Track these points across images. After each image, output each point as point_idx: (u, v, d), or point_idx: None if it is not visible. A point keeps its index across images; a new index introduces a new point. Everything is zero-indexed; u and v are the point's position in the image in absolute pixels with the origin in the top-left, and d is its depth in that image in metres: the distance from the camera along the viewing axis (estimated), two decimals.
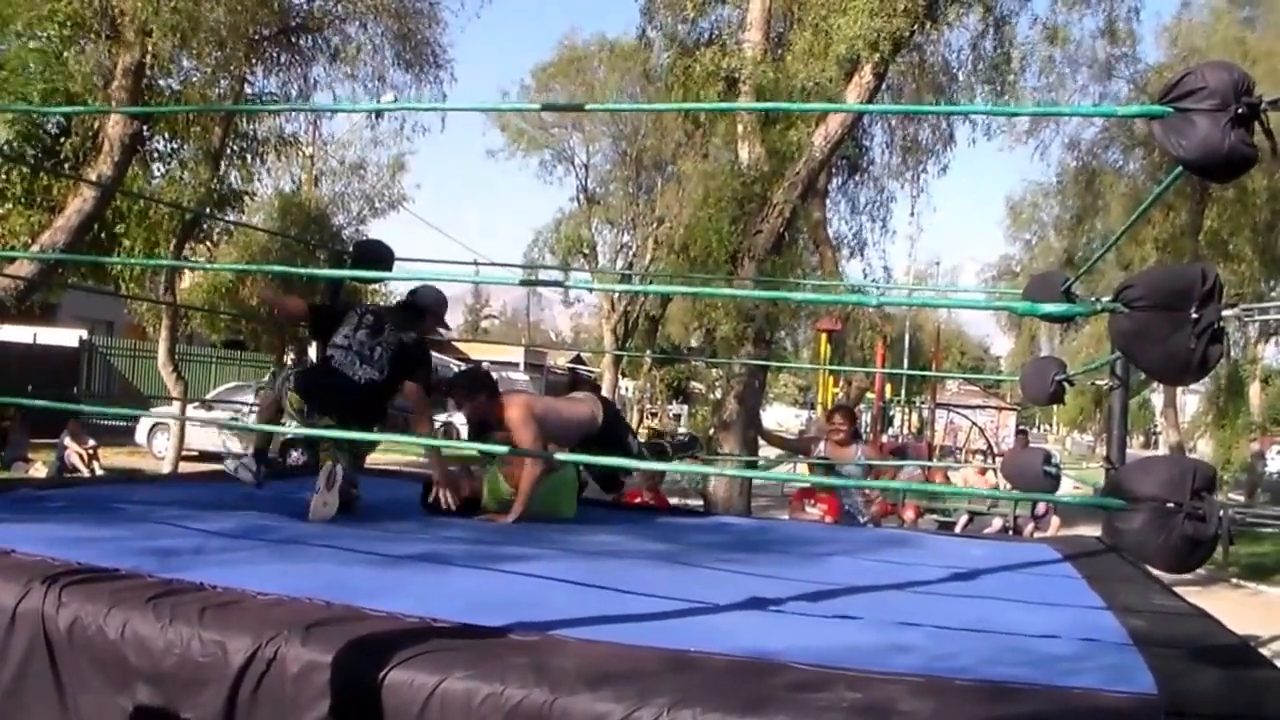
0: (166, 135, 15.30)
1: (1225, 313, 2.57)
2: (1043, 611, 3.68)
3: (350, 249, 8.76)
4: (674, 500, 12.58)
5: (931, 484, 13.57)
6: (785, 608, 3.39)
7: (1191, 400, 31.20)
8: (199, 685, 2.52)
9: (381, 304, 5.73)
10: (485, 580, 3.57)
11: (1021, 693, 2.40)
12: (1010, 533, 12.99)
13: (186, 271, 22.25)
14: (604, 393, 5.80)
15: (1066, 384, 5.85)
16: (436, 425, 14.41)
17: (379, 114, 17.25)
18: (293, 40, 15.06)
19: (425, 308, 5.76)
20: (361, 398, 5.26)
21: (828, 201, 18.18)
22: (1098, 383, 6.89)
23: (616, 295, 29.84)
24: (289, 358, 27.58)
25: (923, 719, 2.18)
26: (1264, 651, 3.71)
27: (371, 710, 2.39)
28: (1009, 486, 6.97)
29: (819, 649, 2.67)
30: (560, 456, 5.29)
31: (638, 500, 7.79)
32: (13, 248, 13.23)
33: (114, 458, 17.82)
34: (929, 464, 16.01)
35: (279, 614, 2.69)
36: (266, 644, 2.51)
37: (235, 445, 20.61)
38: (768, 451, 18.36)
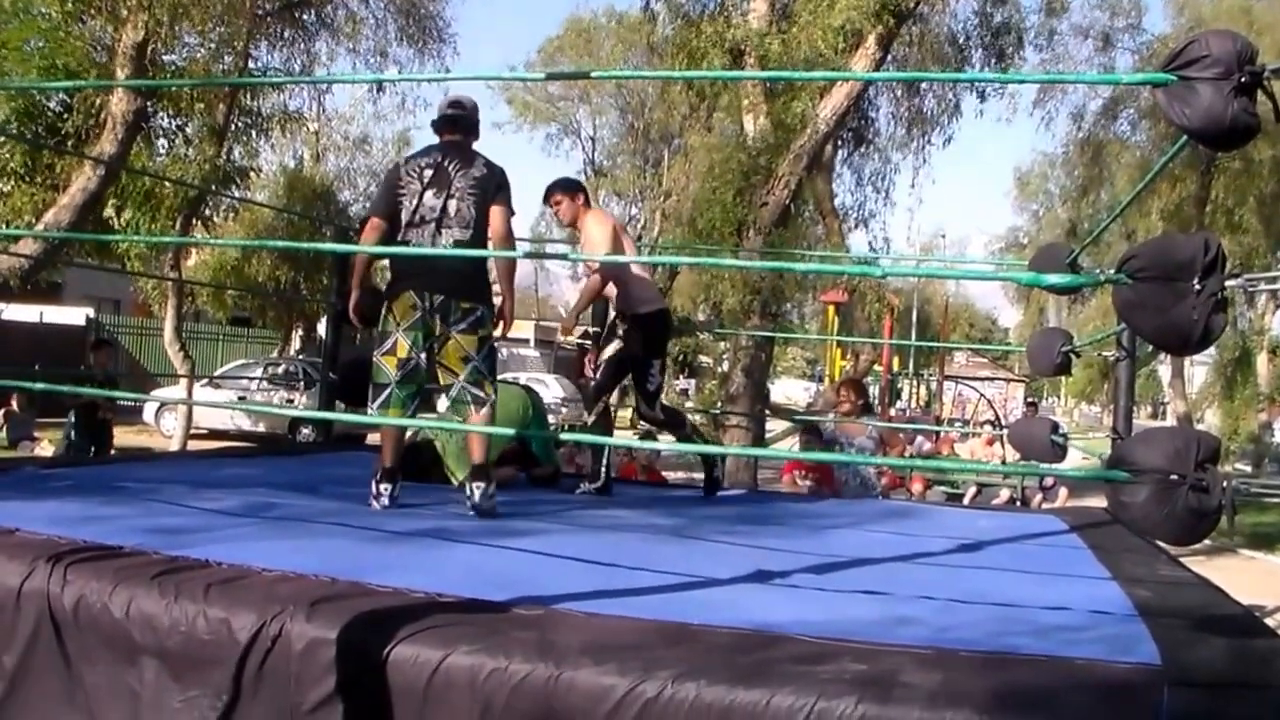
0: (170, 112, 15.27)
1: (1229, 283, 2.56)
2: (1048, 582, 3.68)
3: (356, 225, 8.74)
4: (680, 474, 12.61)
5: (938, 457, 13.57)
6: (790, 580, 3.39)
7: (1199, 371, 31.22)
8: (205, 662, 2.53)
9: (426, 154, 4.84)
10: (489, 556, 3.58)
11: (1025, 663, 2.40)
12: (1018, 504, 13.01)
13: (193, 249, 22.30)
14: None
15: (1073, 355, 5.85)
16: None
17: (380, 88, 17.23)
18: (296, 15, 15.03)
19: (476, 120, 4.96)
20: (459, 268, 4.61)
21: (833, 173, 18.14)
22: (1105, 354, 6.89)
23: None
24: (297, 335, 27.74)
25: (927, 690, 2.18)
26: (1269, 621, 3.72)
27: (377, 686, 2.40)
28: (1017, 456, 6.98)
29: (824, 621, 2.67)
30: (565, 435, 5.27)
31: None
32: (17, 226, 13.23)
33: (122, 436, 17.86)
34: (938, 429, 16.02)
35: (284, 590, 2.69)
36: (272, 620, 2.51)
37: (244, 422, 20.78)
38: (774, 424, 18.38)
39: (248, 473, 5.45)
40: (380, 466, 4.66)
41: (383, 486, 4.61)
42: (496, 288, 4.94)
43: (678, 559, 3.62)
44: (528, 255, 4.97)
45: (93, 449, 10.98)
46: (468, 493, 4.55)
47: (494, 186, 4.71)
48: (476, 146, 4.93)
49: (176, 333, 16.04)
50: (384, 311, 4.73)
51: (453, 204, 4.65)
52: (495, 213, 4.70)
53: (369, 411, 4.80)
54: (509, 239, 4.75)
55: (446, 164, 4.72)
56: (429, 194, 4.66)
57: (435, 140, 4.88)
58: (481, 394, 4.70)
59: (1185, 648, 2.59)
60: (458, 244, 4.61)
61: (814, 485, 7.88)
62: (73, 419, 11.44)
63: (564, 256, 5.02)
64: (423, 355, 4.69)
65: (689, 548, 4.16)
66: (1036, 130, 42.41)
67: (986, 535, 4.86)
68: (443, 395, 5.33)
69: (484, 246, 4.70)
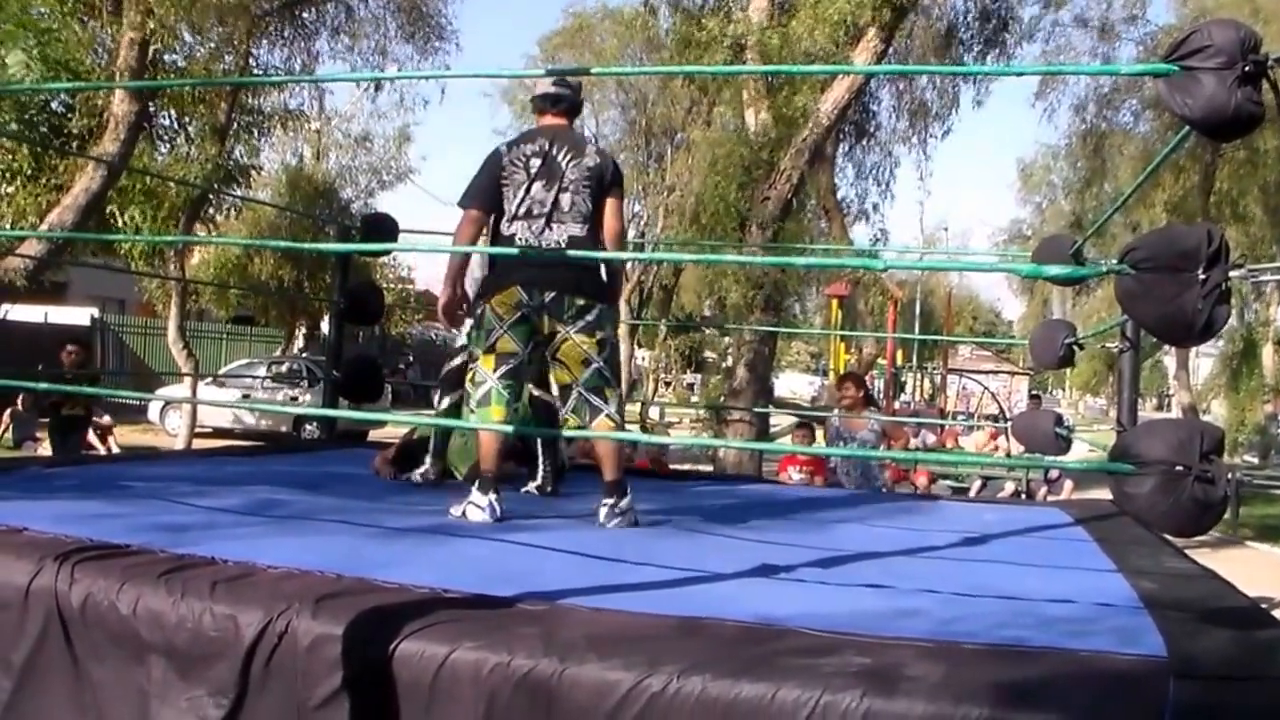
0: (173, 112, 15.30)
1: (1232, 274, 2.56)
2: (1053, 575, 3.68)
3: (358, 223, 8.76)
4: (685, 466, 12.62)
5: (942, 450, 13.58)
6: (795, 574, 3.39)
7: (1205, 363, 31.17)
8: (212, 659, 2.54)
9: (529, 139, 4.47)
10: (495, 551, 3.58)
11: (1030, 655, 2.40)
12: (1023, 496, 13.01)
13: (196, 249, 22.33)
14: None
15: (1076, 347, 5.85)
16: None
17: (378, 86, 17.25)
18: (296, 14, 15.05)
19: (580, 101, 4.67)
20: (576, 267, 4.31)
21: (834, 167, 18.13)
22: (1109, 346, 6.88)
23: (629, 265, 29.65)
24: (300, 333, 27.78)
25: (931, 683, 2.18)
26: (1276, 613, 3.70)
27: (383, 681, 2.41)
28: (1021, 449, 6.98)
29: (828, 614, 2.67)
30: (568, 433, 5.11)
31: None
32: (21, 226, 13.25)
33: (127, 435, 17.89)
34: (942, 422, 16.04)
35: (290, 587, 2.70)
36: (278, 617, 2.52)
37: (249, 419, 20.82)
38: (779, 419, 18.40)
39: (252, 470, 5.46)
40: (480, 474, 4.31)
41: (490, 497, 4.22)
42: None
43: (682, 553, 3.62)
44: (528, 250, 4.77)
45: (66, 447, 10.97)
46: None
47: (609, 178, 4.43)
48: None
49: (180, 332, 16.04)
50: (480, 309, 4.44)
51: (565, 197, 4.34)
52: (611, 207, 4.43)
53: (468, 413, 4.48)
54: (623, 236, 4.51)
55: (555, 152, 4.37)
56: (537, 185, 4.33)
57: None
58: (602, 403, 4.37)
59: (1191, 640, 2.59)
60: (573, 239, 4.31)
61: (807, 479, 7.90)
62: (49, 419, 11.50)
63: (562, 252, 4.93)
64: (527, 353, 4.41)
65: (693, 542, 4.16)
66: (1039, 122, 42.42)
67: (991, 528, 4.86)
68: (439, 393, 5.29)
69: (600, 241, 4.40)
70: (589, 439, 5.02)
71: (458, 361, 5.19)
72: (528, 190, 4.34)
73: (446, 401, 5.23)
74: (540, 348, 4.44)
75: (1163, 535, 4.31)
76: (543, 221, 4.32)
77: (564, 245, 4.30)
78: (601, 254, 4.39)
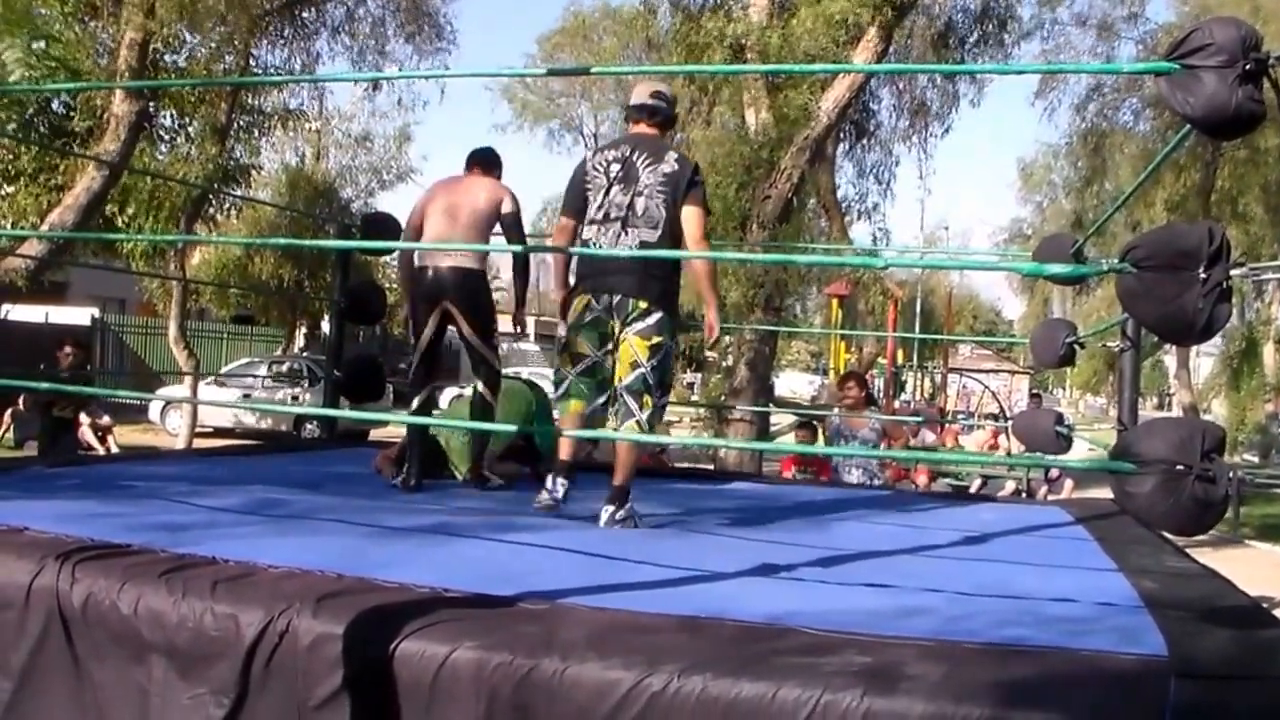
0: (174, 112, 15.30)
1: (1233, 272, 2.55)
2: (1054, 574, 3.68)
3: (358, 222, 8.76)
4: (685, 465, 12.63)
5: (942, 449, 13.57)
6: (795, 573, 3.39)
7: (1206, 362, 31.16)
8: (213, 659, 2.54)
9: (614, 146, 4.68)
10: (495, 550, 3.58)
11: (1031, 655, 2.39)
12: (1024, 495, 13.01)
13: (197, 248, 22.34)
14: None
15: (1077, 346, 5.84)
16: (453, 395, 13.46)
17: (376, 86, 17.27)
18: (296, 14, 15.06)
19: (674, 114, 4.76)
20: (638, 267, 4.35)
21: (834, 166, 18.10)
22: (1109, 345, 6.87)
23: None
24: (300, 333, 27.77)
25: (931, 682, 2.18)
26: (1276, 613, 3.71)
27: (384, 681, 2.41)
28: (1022, 448, 6.96)
29: (829, 613, 2.67)
30: (569, 432, 5.14)
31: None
32: (22, 226, 13.25)
33: (127, 435, 17.88)
34: (942, 420, 16.02)
35: (290, 586, 2.70)
36: (279, 616, 2.52)
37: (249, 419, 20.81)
38: (780, 418, 18.39)
39: (253, 470, 5.46)
40: (558, 462, 4.50)
41: (560, 481, 4.43)
42: None
43: (682, 552, 3.62)
44: (530, 249, 4.83)
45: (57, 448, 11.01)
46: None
47: (686, 184, 4.42)
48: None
49: (181, 331, 16.04)
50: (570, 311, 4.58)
51: (640, 201, 4.40)
52: (689, 214, 4.42)
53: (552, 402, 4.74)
54: (705, 242, 4.54)
55: (635, 158, 4.46)
56: (616, 190, 4.43)
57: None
58: (636, 409, 4.42)
59: (1192, 639, 2.58)
60: (644, 245, 4.37)
61: (810, 479, 7.90)
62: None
63: (562, 249, 4.91)
64: (602, 355, 4.50)
65: (694, 541, 4.17)
66: (1039, 121, 42.44)
67: (993, 527, 4.86)
68: (444, 392, 5.31)
69: (674, 248, 4.43)
70: (590, 441, 5.09)
71: (416, 362, 5.32)
72: (607, 194, 4.46)
73: (416, 403, 5.32)
74: (615, 350, 4.53)
75: (1163, 534, 4.31)
76: (619, 225, 4.44)
77: (636, 250, 4.40)
78: (603, 252, 4.40)
